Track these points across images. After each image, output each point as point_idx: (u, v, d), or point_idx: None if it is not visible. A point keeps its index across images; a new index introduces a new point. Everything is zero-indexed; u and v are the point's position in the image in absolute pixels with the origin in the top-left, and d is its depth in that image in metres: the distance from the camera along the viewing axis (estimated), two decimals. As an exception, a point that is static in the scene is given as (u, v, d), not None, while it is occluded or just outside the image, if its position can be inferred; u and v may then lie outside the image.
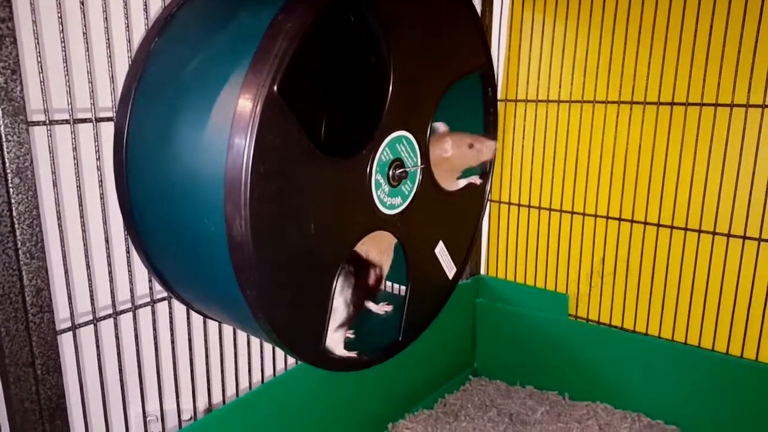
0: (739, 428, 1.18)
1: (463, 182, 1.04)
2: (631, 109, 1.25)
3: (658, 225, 1.25)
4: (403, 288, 1.02)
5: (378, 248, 0.94)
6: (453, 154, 0.99)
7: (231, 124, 0.65)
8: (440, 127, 1.06)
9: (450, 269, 1.04)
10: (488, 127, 1.09)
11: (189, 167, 0.69)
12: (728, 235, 1.17)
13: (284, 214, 0.70)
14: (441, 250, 1.00)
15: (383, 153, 0.82)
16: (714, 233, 1.18)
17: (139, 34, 0.82)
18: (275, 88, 0.64)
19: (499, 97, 1.43)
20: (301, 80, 0.72)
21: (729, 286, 1.18)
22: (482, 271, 1.54)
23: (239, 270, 0.67)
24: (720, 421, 1.20)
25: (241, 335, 1.03)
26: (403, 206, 0.88)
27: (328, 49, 0.83)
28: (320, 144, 0.73)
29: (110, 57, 0.78)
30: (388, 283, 1.03)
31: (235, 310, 0.75)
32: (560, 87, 1.33)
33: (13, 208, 0.68)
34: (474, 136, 1.03)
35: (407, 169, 0.85)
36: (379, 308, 1.08)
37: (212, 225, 0.67)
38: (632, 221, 1.28)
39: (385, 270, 0.98)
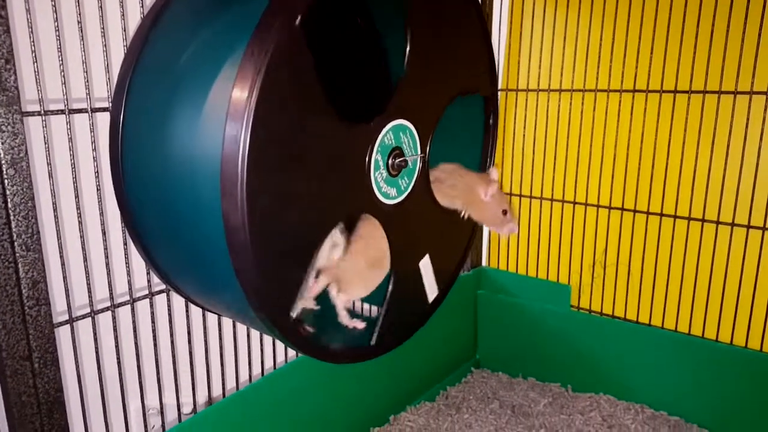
0: (743, 418, 1.18)
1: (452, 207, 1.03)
2: (633, 98, 1.23)
3: (661, 215, 1.24)
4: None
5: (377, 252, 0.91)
6: (486, 202, 1.00)
7: (232, 85, 0.63)
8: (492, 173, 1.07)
9: (431, 290, 1.00)
10: (485, 151, 1.09)
11: (186, 154, 0.68)
12: (732, 225, 1.16)
13: (283, 181, 0.69)
14: (426, 265, 0.97)
15: (386, 135, 0.81)
16: (717, 222, 1.17)
17: (134, 22, 0.80)
18: (297, 21, 0.63)
19: (500, 86, 1.42)
20: (320, 33, 0.71)
21: (733, 276, 1.17)
22: (483, 263, 1.53)
23: (234, 244, 0.65)
24: (724, 412, 1.20)
25: (241, 328, 1.03)
26: (398, 200, 0.87)
27: (342, 26, 0.83)
28: (330, 99, 0.71)
29: (105, 46, 0.77)
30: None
31: (232, 299, 0.74)
32: (561, 76, 1.32)
33: (9, 200, 0.67)
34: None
35: (407, 158, 0.85)
36: (350, 321, 0.94)
37: (209, 197, 0.66)
38: (634, 211, 1.27)
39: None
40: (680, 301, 1.25)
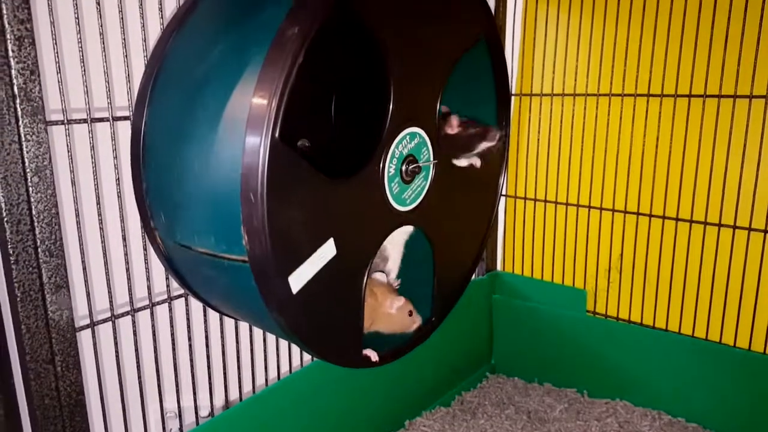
0: (763, 425, 1.16)
1: (464, 162, 1.03)
2: (647, 101, 1.23)
3: (677, 219, 1.23)
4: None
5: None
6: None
7: (245, 126, 0.65)
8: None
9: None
10: (501, 106, 1.08)
11: (206, 163, 0.70)
12: (749, 229, 1.15)
13: (303, 239, 0.72)
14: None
15: (393, 154, 0.82)
16: (734, 227, 1.16)
17: (154, 33, 0.82)
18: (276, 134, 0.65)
19: (514, 91, 1.42)
20: (303, 108, 0.75)
21: (750, 281, 1.16)
22: (498, 267, 1.53)
23: (267, 297, 0.70)
24: (743, 419, 1.19)
25: (258, 332, 1.04)
26: (414, 205, 0.88)
27: (327, 68, 0.84)
28: (329, 170, 0.73)
29: (126, 56, 0.79)
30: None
31: (257, 314, 0.76)
32: (575, 80, 1.32)
33: (33, 207, 0.69)
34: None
35: (420, 164, 0.85)
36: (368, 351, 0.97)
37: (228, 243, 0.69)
38: (650, 215, 1.26)
39: (395, 265, 0.99)
40: (697, 305, 1.24)
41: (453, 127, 0.99)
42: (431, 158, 0.89)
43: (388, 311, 0.94)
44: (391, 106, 0.81)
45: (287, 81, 0.63)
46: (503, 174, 1.12)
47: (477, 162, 1.04)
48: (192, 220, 0.74)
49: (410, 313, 0.98)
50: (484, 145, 1.03)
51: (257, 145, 0.64)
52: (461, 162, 1.02)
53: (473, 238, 1.09)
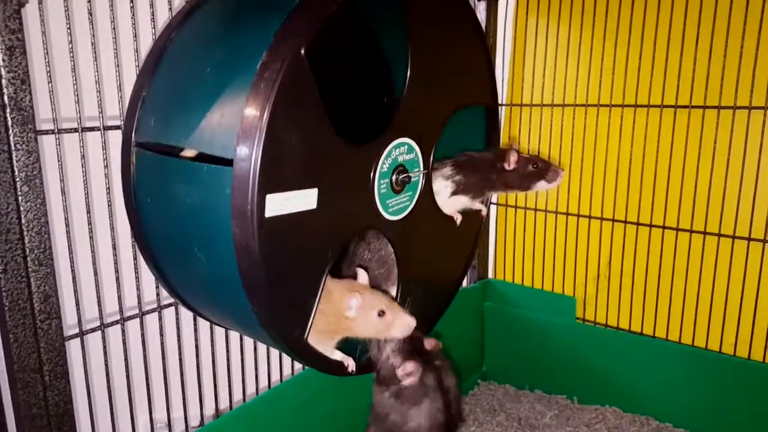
0: (744, 429, 1.18)
1: (448, 210, 1.05)
2: (635, 113, 1.25)
3: (664, 227, 1.25)
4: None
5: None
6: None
7: (248, 92, 0.65)
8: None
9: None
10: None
11: (196, 173, 0.70)
12: (733, 237, 1.16)
13: (292, 172, 0.70)
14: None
15: (390, 153, 0.83)
16: (719, 235, 1.18)
17: (146, 43, 0.83)
18: (302, 51, 0.65)
19: (504, 101, 1.44)
20: (323, 61, 0.73)
21: (735, 288, 1.18)
22: (490, 275, 1.54)
23: (239, 210, 0.66)
24: (729, 424, 1.20)
25: (248, 341, 1.04)
26: (403, 215, 0.89)
27: (348, 49, 0.85)
28: (336, 125, 0.73)
29: (118, 67, 0.80)
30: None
31: (240, 316, 0.76)
32: (564, 91, 1.34)
33: (22, 216, 0.69)
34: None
35: (410, 175, 0.86)
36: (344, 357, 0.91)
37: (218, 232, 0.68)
38: (638, 224, 1.28)
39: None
40: (683, 312, 1.25)
41: (510, 162, 1.00)
42: (421, 177, 0.90)
43: (347, 314, 0.81)
44: (401, 101, 0.84)
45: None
46: (480, 232, 1.14)
47: (458, 218, 1.06)
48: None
49: (381, 313, 0.82)
50: (541, 185, 1.05)
51: (281, 54, 0.63)
52: (446, 208, 1.03)
53: (450, 271, 1.10)
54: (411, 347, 0.89)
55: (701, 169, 1.18)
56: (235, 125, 0.65)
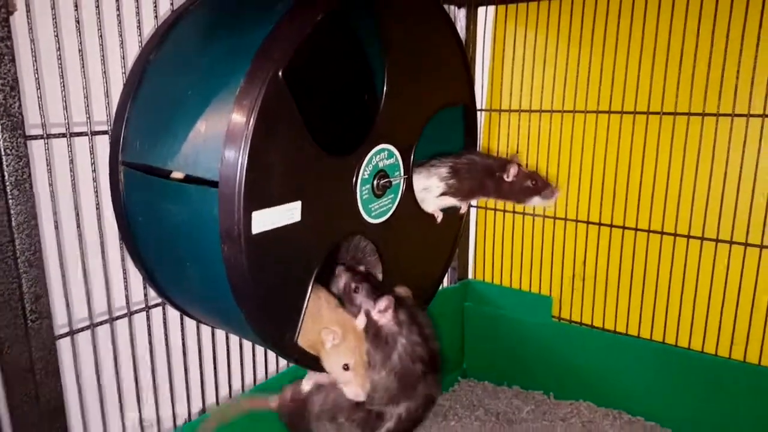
0: (714, 423, 1.23)
1: (430, 208, 1.08)
2: (608, 118, 1.29)
3: (636, 229, 1.29)
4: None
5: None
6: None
7: (229, 115, 0.67)
8: None
9: None
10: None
11: (179, 167, 0.72)
12: (702, 238, 1.21)
13: (275, 187, 0.72)
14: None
15: (370, 160, 0.86)
16: (689, 237, 1.23)
17: (133, 50, 0.85)
18: (279, 73, 0.67)
19: (484, 107, 1.47)
20: (302, 77, 0.76)
21: (703, 287, 1.23)
22: (470, 276, 1.58)
23: (226, 229, 0.69)
24: (696, 417, 1.25)
25: (234, 339, 1.07)
26: (384, 218, 0.92)
27: (327, 60, 0.87)
28: (316, 139, 0.76)
29: (105, 73, 0.82)
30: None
31: (233, 323, 0.78)
32: (542, 97, 1.38)
33: (13, 219, 0.71)
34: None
35: (391, 179, 0.89)
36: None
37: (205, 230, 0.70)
38: (611, 226, 1.32)
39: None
40: (654, 311, 1.30)
41: (510, 175, 1.03)
42: (401, 181, 0.93)
43: (323, 343, 0.83)
44: (380, 111, 0.86)
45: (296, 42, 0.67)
46: (460, 231, 1.17)
47: (439, 216, 1.09)
48: (170, 146, 0.74)
49: (345, 367, 0.83)
50: (535, 201, 1.07)
51: (259, 78, 0.66)
52: (429, 206, 1.06)
53: (430, 272, 1.13)
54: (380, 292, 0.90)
55: (672, 173, 1.23)
56: (218, 148, 0.67)
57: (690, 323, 1.25)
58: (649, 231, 1.28)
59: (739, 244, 1.17)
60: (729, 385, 1.20)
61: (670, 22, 1.19)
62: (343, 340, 0.83)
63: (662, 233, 1.26)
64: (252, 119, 0.66)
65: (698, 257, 1.22)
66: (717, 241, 1.20)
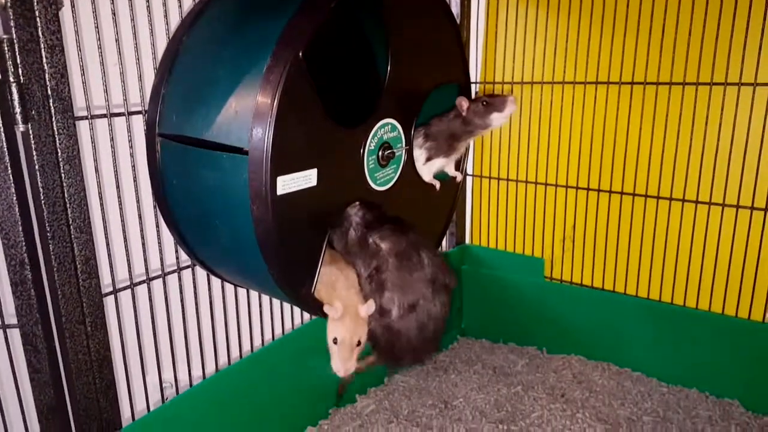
0: (694, 371, 1.32)
1: (427, 177, 1.17)
2: (596, 89, 1.37)
3: (621, 193, 1.37)
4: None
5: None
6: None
7: (257, 92, 0.76)
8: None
9: None
10: None
11: (215, 142, 0.82)
12: (683, 200, 1.29)
13: (295, 157, 0.82)
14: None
15: (376, 133, 0.95)
16: (671, 199, 1.31)
17: (162, 41, 0.94)
18: (300, 54, 0.77)
19: (478, 79, 1.55)
20: (317, 58, 0.85)
21: (684, 245, 1.31)
22: (467, 240, 1.67)
23: (255, 190, 0.78)
24: (679, 366, 1.33)
25: (254, 297, 1.17)
26: (389, 185, 1.02)
27: (337, 43, 0.96)
28: (329, 113, 0.86)
29: (138, 61, 0.91)
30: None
31: (258, 277, 0.88)
32: (533, 69, 1.45)
33: (65, 191, 0.80)
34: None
35: (394, 150, 0.99)
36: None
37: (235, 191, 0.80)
38: (599, 191, 1.40)
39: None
40: (640, 268, 1.38)
41: (463, 107, 1.11)
42: (403, 152, 1.02)
43: (329, 310, 0.92)
44: (384, 88, 0.95)
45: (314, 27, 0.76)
46: (457, 196, 1.27)
47: (437, 184, 1.18)
48: (204, 118, 0.84)
49: (334, 341, 0.93)
50: (496, 118, 1.13)
51: (283, 58, 0.75)
52: (425, 176, 1.15)
53: (430, 235, 1.22)
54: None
55: (654, 140, 1.30)
56: (248, 120, 0.77)
57: (672, 279, 1.34)
58: (633, 194, 1.35)
59: (717, 204, 1.25)
60: (708, 336, 1.28)
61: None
62: (340, 318, 0.92)
63: (646, 196, 1.33)
64: (277, 95, 0.75)
65: (680, 217, 1.30)
66: (696, 202, 1.27)
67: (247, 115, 0.77)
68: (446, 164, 1.18)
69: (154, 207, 0.95)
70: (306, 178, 0.84)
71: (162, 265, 0.98)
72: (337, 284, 0.96)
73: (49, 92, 0.77)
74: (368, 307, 0.94)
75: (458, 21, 1.47)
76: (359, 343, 0.94)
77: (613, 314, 1.41)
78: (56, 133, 0.78)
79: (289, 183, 0.81)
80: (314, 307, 0.94)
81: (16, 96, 0.74)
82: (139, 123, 0.92)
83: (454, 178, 1.23)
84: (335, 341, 0.93)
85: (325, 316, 0.95)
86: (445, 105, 1.19)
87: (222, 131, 0.81)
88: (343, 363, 0.93)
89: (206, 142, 0.83)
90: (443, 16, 1.08)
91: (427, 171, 1.15)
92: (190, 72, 0.87)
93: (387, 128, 0.97)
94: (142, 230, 0.95)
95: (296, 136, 0.81)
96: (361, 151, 0.94)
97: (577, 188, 1.44)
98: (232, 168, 0.80)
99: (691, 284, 1.32)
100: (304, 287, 0.91)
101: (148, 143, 0.90)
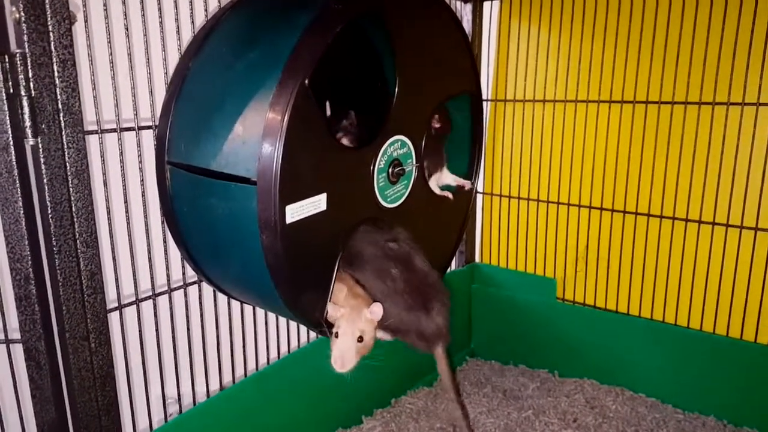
0: (712, 399, 1.29)
1: (437, 190, 1.18)
2: (609, 107, 1.35)
3: (636, 213, 1.35)
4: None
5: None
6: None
7: (264, 120, 0.76)
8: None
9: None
10: (474, 143, 1.22)
11: (221, 167, 0.82)
12: (699, 222, 1.27)
13: (304, 183, 0.82)
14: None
15: (386, 150, 0.94)
16: (687, 220, 1.29)
17: (172, 55, 0.94)
18: (306, 81, 0.77)
19: (489, 97, 1.54)
20: (324, 79, 0.85)
21: (701, 268, 1.29)
22: (477, 259, 1.65)
23: (263, 219, 0.78)
24: (696, 393, 1.31)
25: (260, 315, 1.16)
26: (399, 202, 1.01)
27: (345, 62, 0.96)
28: (336, 136, 0.86)
29: (149, 75, 0.91)
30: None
31: (270, 301, 0.87)
32: (545, 87, 1.44)
33: (73, 205, 0.79)
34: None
35: (404, 167, 0.98)
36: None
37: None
38: (612, 210, 1.39)
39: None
40: (654, 291, 1.36)
41: (436, 120, 1.12)
42: (413, 167, 1.01)
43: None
44: (393, 106, 0.95)
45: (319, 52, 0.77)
46: (469, 208, 1.26)
47: (449, 194, 1.17)
48: (211, 148, 0.83)
49: (336, 335, 0.94)
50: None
51: (289, 86, 0.75)
52: (436, 189, 1.15)
53: (441, 252, 1.22)
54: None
55: (669, 160, 1.29)
56: (255, 150, 0.77)
57: (688, 302, 1.31)
58: (648, 215, 1.33)
59: (734, 227, 1.23)
60: (726, 362, 1.26)
61: (668, 10, 1.24)
62: (342, 314, 0.93)
63: (661, 217, 1.32)
64: (284, 125, 0.75)
65: (696, 238, 1.28)
66: (713, 224, 1.25)
67: (254, 144, 0.77)
68: (443, 177, 1.18)
69: (162, 223, 0.94)
70: (315, 204, 0.84)
71: (168, 281, 0.97)
72: (339, 294, 0.96)
73: (60, 106, 0.77)
74: (374, 310, 0.94)
75: (470, 39, 1.47)
76: (361, 339, 0.93)
77: (627, 337, 1.39)
78: (65, 147, 0.78)
79: (298, 211, 0.81)
80: (325, 328, 0.93)
81: (27, 110, 0.74)
82: (149, 137, 0.92)
83: (463, 186, 1.22)
84: (336, 335, 0.93)
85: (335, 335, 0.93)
86: (457, 117, 1.18)
87: (230, 162, 0.81)
88: (340, 355, 0.92)
89: (215, 173, 0.83)
90: (451, 27, 1.07)
91: (434, 186, 1.15)
92: (197, 98, 0.87)
93: (397, 145, 0.96)
94: (149, 245, 0.94)
95: (304, 163, 0.81)
96: (371, 169, 0.93)
97: (590, 207, 1.42)
98: (241, 198, 0.80)
99: (708, 307, 1.30)
100: (317, 311, 0.90)
101: (158, 170, 0.90)
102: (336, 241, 0.90)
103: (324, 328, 0.92)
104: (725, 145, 1.22)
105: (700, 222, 1.27)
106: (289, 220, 0.80)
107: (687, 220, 1.29)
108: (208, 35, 0.89)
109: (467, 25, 1.49)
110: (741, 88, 1.19)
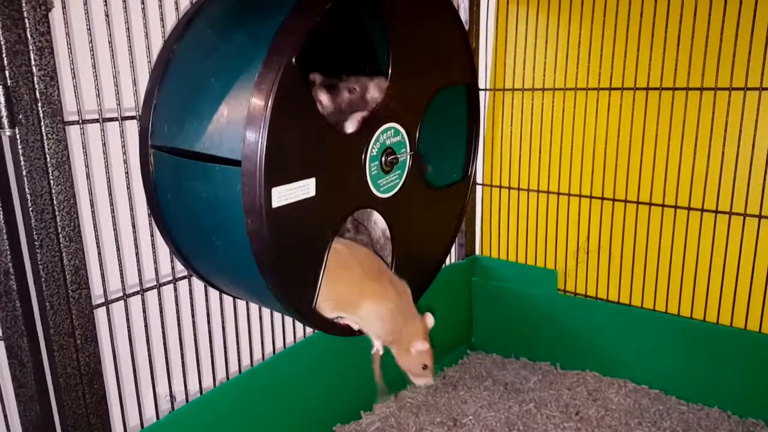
0: (715, 388, 1.27)
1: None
2: (609, 95, 1.33)
3: (637, 203, 1.33)
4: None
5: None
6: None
7: (249, 99, 0.73)
8: None
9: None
10: (471, 133, 1.19)
11: (206, 155, 0.79)
12: (702, 210, 1.25)
13: (292, 166, 0.78)
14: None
15: (378, 138, 0.91)
16: (689, 209, 1.27)
17: (156, 41, 0.92)
18: (293, 60, 0.74)
19: (488, 86, 1.52)
20: (313, 60, 0.82)
21: (703, 257, 1.27)
22: (477, 252, 1.63)
23: (249, 202, 0.75)
24: (698, 384, 1.29)
25: (254, 310, 1.13)
26: (392, 192, 0.98)
27: (335, 43, 0.92)
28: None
29: (133, 64, 0.88)
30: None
31: (257, 291, 0.85)
32: (544, 76, 1.42)
33: (54, 198, 0.78)
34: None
35: (398, 156, 0.95)
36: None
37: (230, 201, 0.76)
38: (613, 200, 1.37)
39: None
40: (657, 282, 1.34)
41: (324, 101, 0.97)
42: (407, 156, 0.98)
43: (407, 347, 0.98)
44: (385, 91, 0.92)
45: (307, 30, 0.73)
46: (467, 200, 1.22)
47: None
48: (196, 129, 0.80)
49: (424, 367, 0.98)
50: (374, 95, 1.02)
51: (275, 64, 0.72)
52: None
53: (437, 245, 1.18)
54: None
55: (671, 147, 1.27)
56: (240, 130, 0.74)
57: (691, 293, 1.30)
58: (650, 204, 1.32)
59: (737, 214, 1.21)
60: (730, 353, 1.24)
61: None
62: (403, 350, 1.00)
63: (663, 206, 1.30)
64: (270, 103, 0.72)
65: (698, 227, 1.26)
66: (716, 212, 1.24)
67: (239, 124, 0.74)
68: None
69: (149, 215, 0.92)
70: (304, 189, 0.80)
71: (157, 275, 0.95)
72: (355, 275, 0.94)
73: (38, 96, 0.74)
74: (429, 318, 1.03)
75: (467, 27, 1.44)
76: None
77: (629, 328, 1.37)
78: (45, 137, 0.76)
79: (285, 194, 0.78)
80: (317, 321, 0.90)
81: (2, 99, 0.72)
82: (132, 128, 0.90)
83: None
84: (425, 367, 1.01)
85: (323, 329, 0.91)
86: (452, 107, 1.15)
87: (214, 142, 0.77)
88: (378, 339, 0.99)
89: (198, 154, 0.80)
90: (446, 13, 1.04)
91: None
92: (181, 80, 0.84)
93: (390, 133, 0.94)
94: (135, 239, 0.91)
95: (291, 144, 0.78)
96: (363, 157, 0.90)
97: (591, 197, 1.40)
98: (225, 180, 0.76)
99: (711, 298, 1.28)
100: (306, 301, 0.87)
101: (141, 155, 0.87)
102: (326, 229, 0.87)
103: (313, 320, 0.89)
104: (728, 131, 1.20)
105: (702, 210, 1.25)
106: (275, 204, 0.76)
107: (689, 209, 1.27)
108: (192, 19, 0.86)
109: (464, 12, 1.45)
110: (743, 73, 1.16)
